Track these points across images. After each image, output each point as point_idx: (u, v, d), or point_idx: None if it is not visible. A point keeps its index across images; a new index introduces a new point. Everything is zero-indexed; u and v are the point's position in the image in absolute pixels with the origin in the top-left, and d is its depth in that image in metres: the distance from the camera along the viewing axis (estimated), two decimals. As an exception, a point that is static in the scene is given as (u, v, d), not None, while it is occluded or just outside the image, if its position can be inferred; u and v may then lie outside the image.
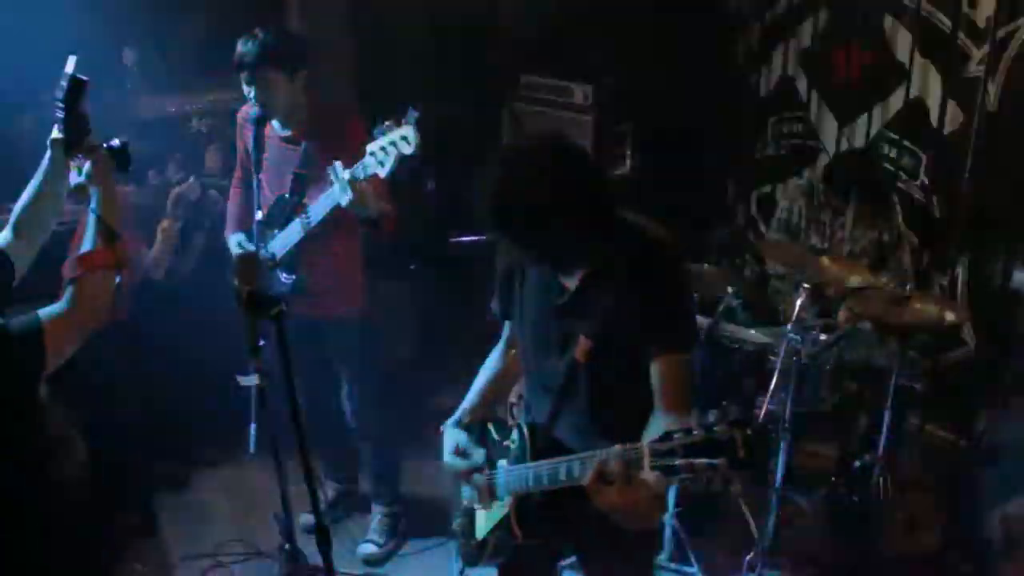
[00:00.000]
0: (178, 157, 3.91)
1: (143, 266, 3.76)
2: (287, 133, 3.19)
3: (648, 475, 1.67)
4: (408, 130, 2.67)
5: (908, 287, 3.51)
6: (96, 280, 1.87)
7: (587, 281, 2.03)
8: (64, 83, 1.96)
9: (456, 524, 2.40)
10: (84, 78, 1.97)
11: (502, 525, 2.18)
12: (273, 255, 3.16)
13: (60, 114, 1.98)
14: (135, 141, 2.17)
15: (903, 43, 4.20)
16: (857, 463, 3.74)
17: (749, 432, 1.56)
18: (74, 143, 2.00)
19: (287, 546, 3.25)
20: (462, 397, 2.37)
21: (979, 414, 3.83)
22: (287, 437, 2.13)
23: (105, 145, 2.02)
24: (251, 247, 3.17)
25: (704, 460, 1.58)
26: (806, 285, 3.35)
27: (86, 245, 1.90)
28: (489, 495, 2.24)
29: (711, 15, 5.07)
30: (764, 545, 3.36)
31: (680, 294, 2.09)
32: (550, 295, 2.10)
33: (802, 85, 4.76)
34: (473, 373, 2.42)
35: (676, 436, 1.63)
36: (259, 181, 3.05)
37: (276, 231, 3.17)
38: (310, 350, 3.44)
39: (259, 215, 3.07)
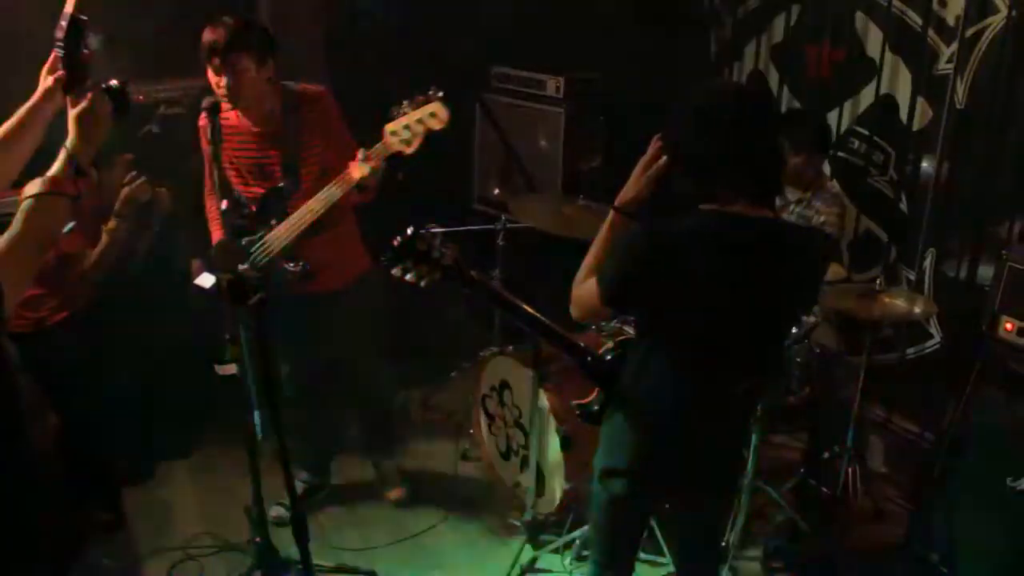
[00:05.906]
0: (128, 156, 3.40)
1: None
2: (259, 129, 3.17)
3: None
4: (436, 106, 2.66)
5: (878, 282, 3.56)
6: (55, 205, 1.81)
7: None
8: (64, 23, 1.96)
9: None
10: (84, 18, 1.98)
11: None
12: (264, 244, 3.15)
13: (61, 54, 1.99)
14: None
15: (874, 40, 4.24)
16: (825, 455, 3.79)
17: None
18: (74, 82, 1.99)
19: (258, 539, 3.23)
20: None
21: (945, 407, 3.87)
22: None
23: (103, 85, 2.00)
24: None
25: None
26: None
27: (52, 172, 1.86)
28: None
29: (684, 9, 5.09)
30: (734, 536, 3.39)
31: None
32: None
33: (773, 80, 4.79)
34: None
35: None
36: (221, 171, 3.00)
37: (272, 222, 3.15)
38: (299, 330, 3.39)
39: (223, 205, 3.01)
